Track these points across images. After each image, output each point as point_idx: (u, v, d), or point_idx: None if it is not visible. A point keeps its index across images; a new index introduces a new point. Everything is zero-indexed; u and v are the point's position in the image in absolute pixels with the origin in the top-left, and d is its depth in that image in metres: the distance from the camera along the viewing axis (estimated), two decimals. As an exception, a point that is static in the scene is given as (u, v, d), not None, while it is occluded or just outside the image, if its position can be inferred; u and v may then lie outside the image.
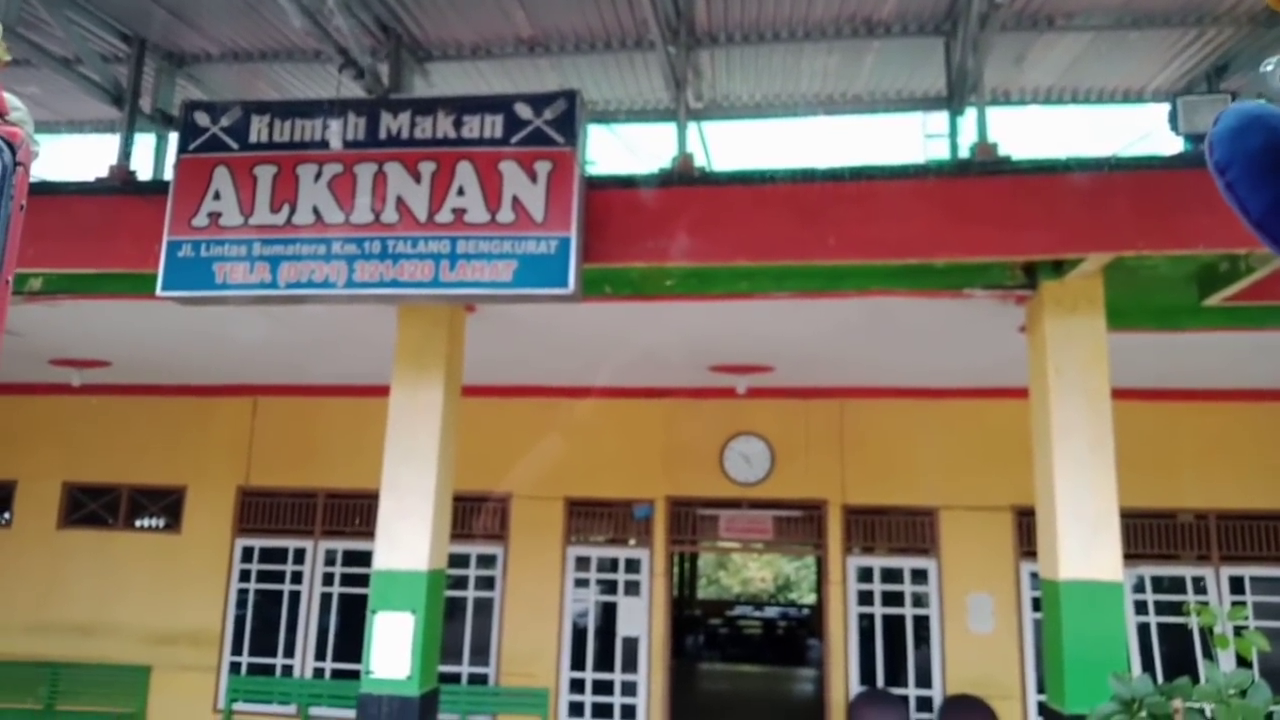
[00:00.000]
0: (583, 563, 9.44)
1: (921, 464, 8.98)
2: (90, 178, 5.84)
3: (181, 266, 5.01)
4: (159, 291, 5.05)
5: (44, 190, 5.53)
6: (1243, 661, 4.67)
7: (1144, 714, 3.96)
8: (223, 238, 4.98)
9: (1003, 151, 5.13)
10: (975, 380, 8.43)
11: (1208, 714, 4.02)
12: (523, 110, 4.91)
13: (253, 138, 5.11)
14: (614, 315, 6.22)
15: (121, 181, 5.90)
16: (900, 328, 6.47)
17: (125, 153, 6.16)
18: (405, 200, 4.81)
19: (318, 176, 4.94)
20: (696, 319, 6.29)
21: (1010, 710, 8.40)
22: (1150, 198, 4.63)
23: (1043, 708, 5.21)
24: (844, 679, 8.82)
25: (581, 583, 9.40)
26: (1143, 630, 8.49)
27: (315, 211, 4.90)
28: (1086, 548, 4.70)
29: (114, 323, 6.94)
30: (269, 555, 9.77)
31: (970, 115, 5.91)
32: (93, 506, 10.11)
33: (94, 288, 5.89)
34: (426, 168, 4.85)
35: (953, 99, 6.35)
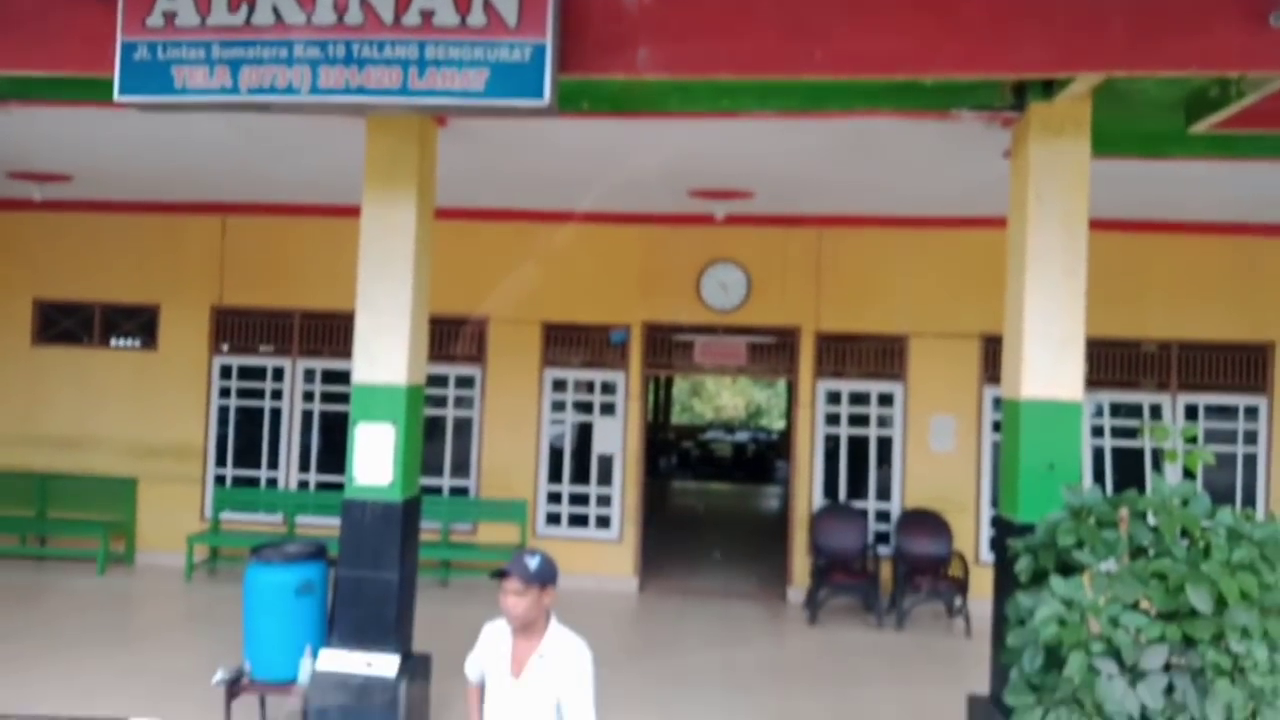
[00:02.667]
0: (559, 385, 9.63)
1: (896, 292, 9.07)
2: (32, -29, 5.45)
3: (138, 70, 4.76)
4: (116, 96, 4.81)
5: (-17, -16, 5.16)
6: (1189, 478, 4.90)
7: (1092, 521, 4.19)
8: (180, 39, 4.71)
9: (1000, -39, 4.88)
10: (955, 209, 8.39)
11: (1151, 522, 4.26)
12: (495, -98, 4.56)
13: (205, -72, 4.74)
14: (591, 133, 6.05)
15: (66, -24, 5.50)
16: (884, 152, 6.35)
17: (67, -56, 5.71)
18: (369, 0, 4.54)
19: (276, -27, 4.63)
20: (676, 138, 6.14)
21: (964, 522, 8.89)
22: (1146, 16, 4.46)
23: (996, 519, 5.50)
24: (808, 494, 9.24)
25: (558, 405, 9.62)
26: (1098, 454, 8.89)
27: (275, 11, 4.62)
28: (1050, 368, 4.82)
29: (72, 134, 6.68)
30: (247, 373, 9.86)
31: (969, -79, 5.58)
32: (66, 324, 10.06)
33: (48, 93, 5.62)
34: (392, -35, 4.55)
35: (952, -97, 5.97)
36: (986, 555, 8.61)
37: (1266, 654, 3.93)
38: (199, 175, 8.20)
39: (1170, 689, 4.01)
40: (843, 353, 9.28)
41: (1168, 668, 4.02)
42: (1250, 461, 8.81)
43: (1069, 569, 4.26)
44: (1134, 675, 3.98)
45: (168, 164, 7.68)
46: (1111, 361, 8.82)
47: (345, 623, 5.43)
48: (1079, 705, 4.04)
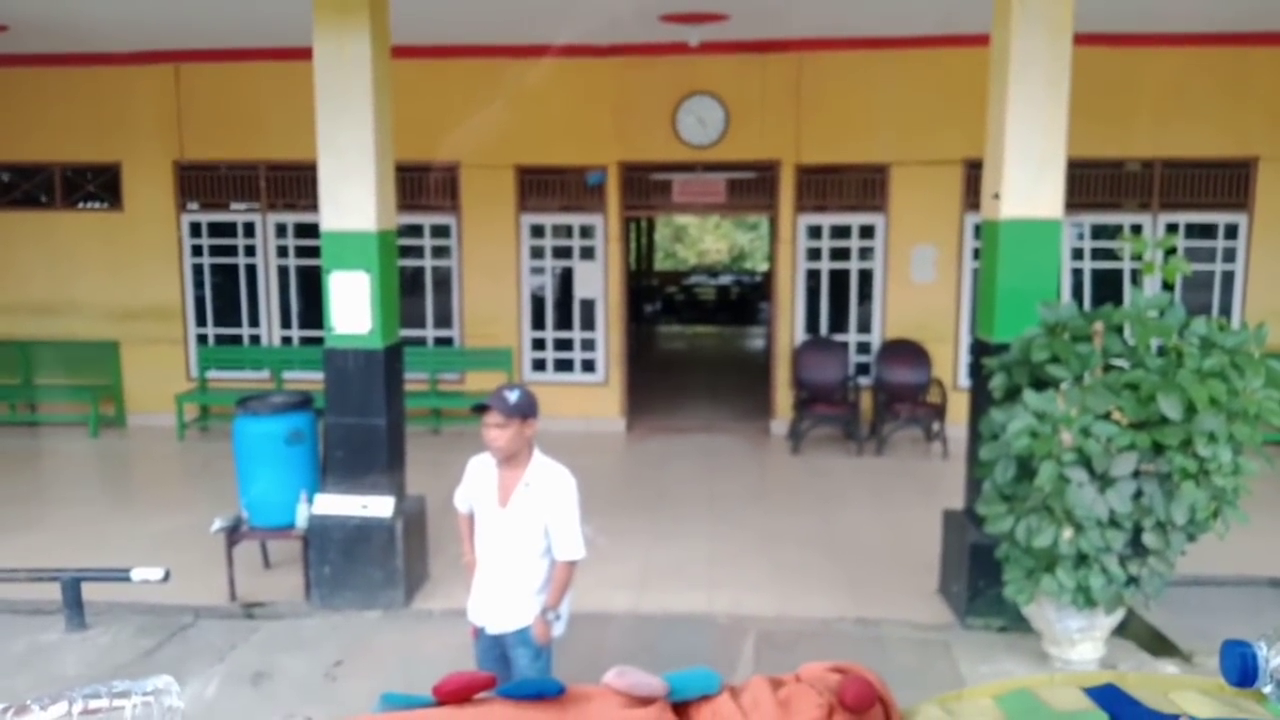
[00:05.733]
0: (537, 230, 9.48)
1: (878, 120, 8.82)
2: None
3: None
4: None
5: None
6: (1168, 291, 4.93)
7: (1067, 336, 4.23)
8: None
9: None
10: (938, 25, 8.05)
11: (1126, 336, 4.31)
12: None
13: None
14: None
15: None
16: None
17: None
18: None
19: None
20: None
21: (943, 350, 9.01)
22: None
23: (974, 342, 5.55)
24: (789, 330, 9.30)
25: (537, 251, 9.51)
26: (1077, 277, 8.91)
27: None
28: (1030, 187, 4.75)
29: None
30: (218, 230, 9.67)
31: None
32: (26, 187, 9.76)
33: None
34: None
35: None
36: (964, 381, 8.76)
37: (1231, 456, 4.05)
38: (142, 20, 7.75)
39: (1138, 494, 4.17)
40: (824, 186, 9.13)
41: (1136, 474, 4.16)
42: (1228, 280, 8.87)
43: (1043, 385, 4.34)
44: (1104, 482, 4.12)
45: (107, 8, 7.25)
46: (1094, 183, 8.71)
47: (337, 469, 5.53)
48: (1049, 512, 4.20)
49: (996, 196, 4.80)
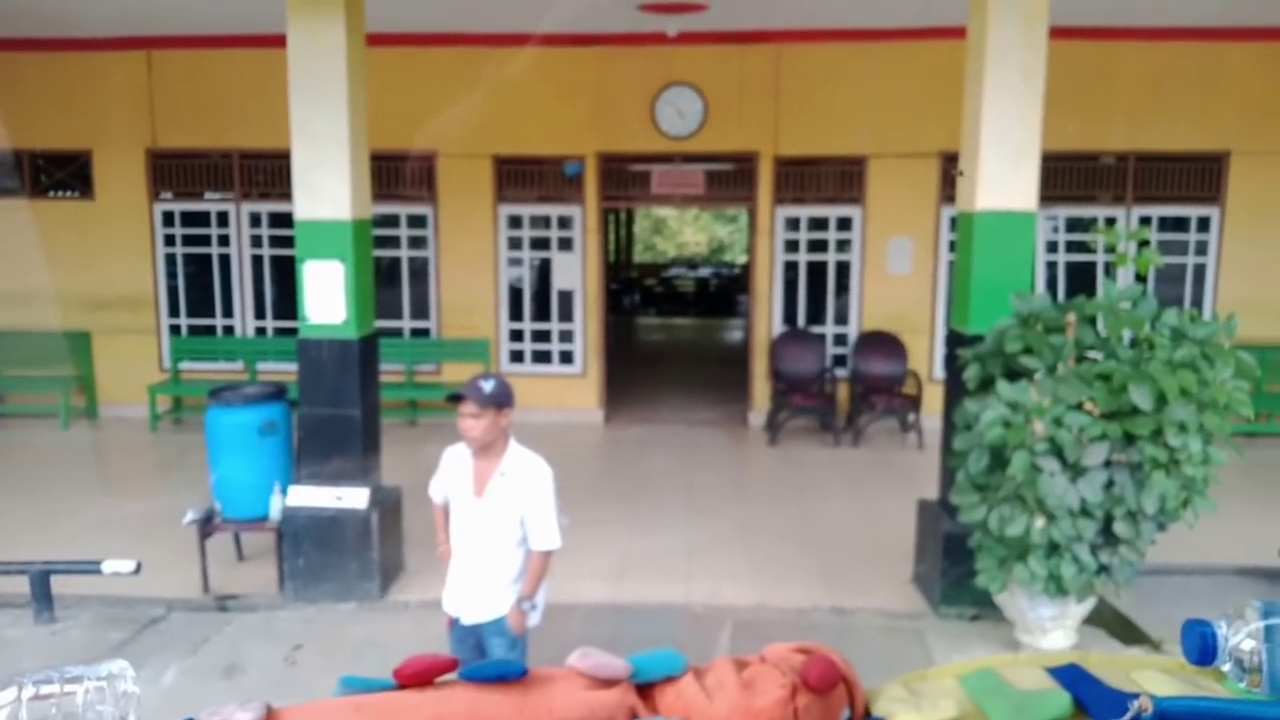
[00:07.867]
0: (515, 221, 9.44)
1: (856, 113, 8.84)
2: None
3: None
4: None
5: None
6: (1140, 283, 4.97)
7: (1040, 328, 4.26)
8: None
9: None
10: (917, 17, 8.07)
11: (1099, 327, 4.35)
12: None
13: None
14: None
15: None
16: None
17: None
18: None
19: None
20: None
21: (919, 342, 9.07)
22: None
23: (949, 334, 5.58)
24: (767, 321, 9.31)
25: (515, 242, 9.46)
26: (1052, 269, 8.99)
27: None
28: (1006, 178, 4.78)
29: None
30: (191, 219, 9.55)
31: None
32: (-6, 174, 9.61)
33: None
34: None
35: None
36: (939, 373, 8.80)
37: (1201, 446, 4.10)
38: (114, 4, 7.63)
39: (1110, 484, 4.21)
40: (802, 178, 9.14)
41: (1108, 464, 4.19)
42: (1200, 272, 8.97)
43: (1016, 375, 4.37)
44: (1075, 472, 4.16)
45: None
46: (1069, 176, 8.78)
47: (312, 460, 5.48)
48: (1021, 501, 4.23)
49: (961, 173, 4.83)
